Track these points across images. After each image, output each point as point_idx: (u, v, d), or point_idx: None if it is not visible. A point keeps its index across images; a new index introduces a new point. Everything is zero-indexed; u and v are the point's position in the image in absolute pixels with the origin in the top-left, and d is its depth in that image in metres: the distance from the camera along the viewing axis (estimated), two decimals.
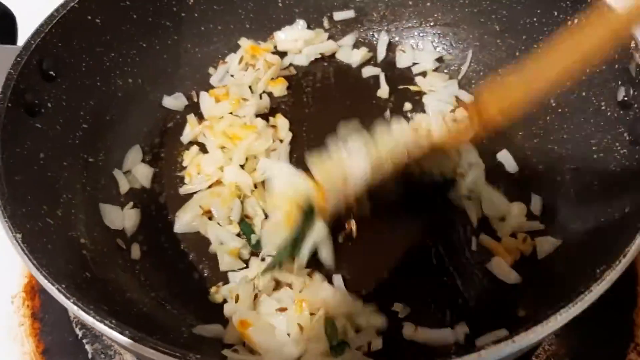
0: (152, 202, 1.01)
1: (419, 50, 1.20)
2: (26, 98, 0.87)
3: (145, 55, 1.09)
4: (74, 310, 0.65)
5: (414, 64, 1.18)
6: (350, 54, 1.21)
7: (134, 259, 0.93)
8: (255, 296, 0.87)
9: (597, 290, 0.63)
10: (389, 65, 1.20)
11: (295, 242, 0.87)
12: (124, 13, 1.04)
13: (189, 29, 1.15)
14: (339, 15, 1.22)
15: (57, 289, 0.66)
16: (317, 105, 1.14)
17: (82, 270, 0.82)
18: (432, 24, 1.20)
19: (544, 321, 0.61)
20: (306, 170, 0.89)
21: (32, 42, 0.88)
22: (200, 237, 0.96)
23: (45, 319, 0.92)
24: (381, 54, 1.21)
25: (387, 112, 1.11)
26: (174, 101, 1.13)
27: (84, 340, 0.90)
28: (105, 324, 0.63)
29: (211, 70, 1.18)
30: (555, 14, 0.99)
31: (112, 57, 1.04)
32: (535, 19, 1.03)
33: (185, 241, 0.96)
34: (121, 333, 0.62)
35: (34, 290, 0.95)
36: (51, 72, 0.92)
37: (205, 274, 0.92)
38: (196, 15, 1.14)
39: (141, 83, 1.10)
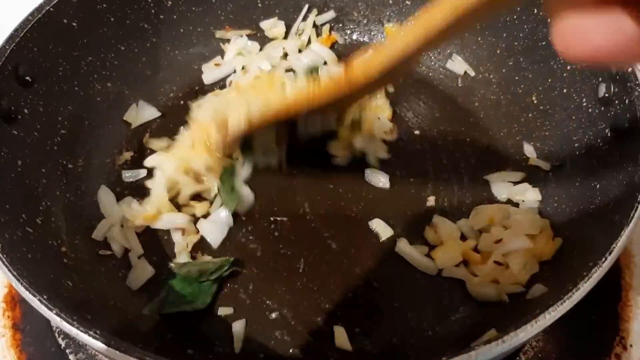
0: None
1: None
2: (2, 104, 0.85)
3: (123, 59, 1.08)
4: (57, 321, 0.64)
5: None
6: None
7: (115, 265, 0.92)
8: None
9: (585, 287, 0.64)
10: None
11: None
12: (101, 16, 1.03)
13: (168, 31, 1.13)
14: (319, 17, 1.22)
15: (39, 300, 0.65)
16: None
17: (63, 280, 0.80)
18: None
19: (533, 320, 0.61)
20: None
21: (7, 47, 0.86)
22: None
23: (27, 329, 0.90)
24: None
25: None
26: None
27: (67, 351, 0.88)
28: (90, 335, 0.62)
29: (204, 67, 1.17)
30: (535, 11, 1.00)
31: (90, 61, 1.02)
32: (515, 17, 1.04)
33: (168, 247, 0.94)
34: (106, 343, 0.61)
35: (14, 301, 0.93)
36: (27, 78, 0.90)
37: None
38: (175, 17, 1.13)
39: (120, 87, 1.08)
